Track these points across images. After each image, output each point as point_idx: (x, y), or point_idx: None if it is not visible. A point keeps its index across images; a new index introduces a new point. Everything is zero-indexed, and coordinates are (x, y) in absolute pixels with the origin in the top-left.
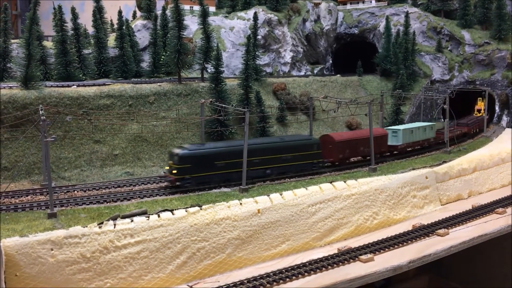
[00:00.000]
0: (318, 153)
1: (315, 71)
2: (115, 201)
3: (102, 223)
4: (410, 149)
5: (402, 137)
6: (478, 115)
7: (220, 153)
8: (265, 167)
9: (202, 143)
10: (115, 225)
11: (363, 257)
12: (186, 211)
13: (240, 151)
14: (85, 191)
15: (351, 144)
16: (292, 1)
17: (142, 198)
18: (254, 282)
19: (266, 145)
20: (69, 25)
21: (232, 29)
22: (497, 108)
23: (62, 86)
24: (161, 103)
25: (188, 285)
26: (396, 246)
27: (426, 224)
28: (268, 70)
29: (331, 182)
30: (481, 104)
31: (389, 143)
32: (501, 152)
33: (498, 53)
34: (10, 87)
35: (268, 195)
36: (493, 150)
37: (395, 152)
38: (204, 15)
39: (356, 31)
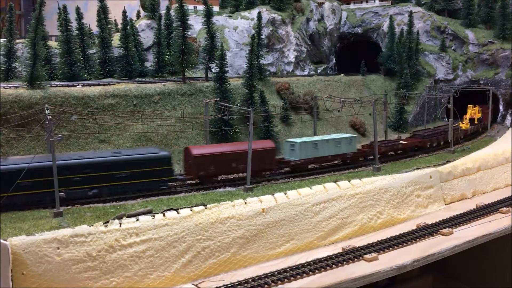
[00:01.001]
0: (167, 170)
1: (319, 71)
2: (121, 200)
3: (108, 222)
4: (314, 166)
5: (300, 151)
6: (464, 126)
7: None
8: (89, 187)
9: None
10: (120, 224)
11: (367, 256)
12: (191, 210)
13: (45, 168)
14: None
15: (218, 159)
16: (295, 0)
17: (147, 197)
18: (259, 281)
19: (92, 160)
20: (73, 25)
21: (236, 28)
22: (501, 107)
23: (68, 86)
24: (165, 102)
25: (193, 284)
26: (400, 246)
27: (430, 223)
28: (272, 69)
29: (335, 182)
30: (473, 112)
31: (287, 157)
32: (505, 152)
33: (502, 53)
34: (16, 87)
35: (273, 195)
36: (497, 150)
37: (290, 169)
38: (208, 14)
39: (359, 31)
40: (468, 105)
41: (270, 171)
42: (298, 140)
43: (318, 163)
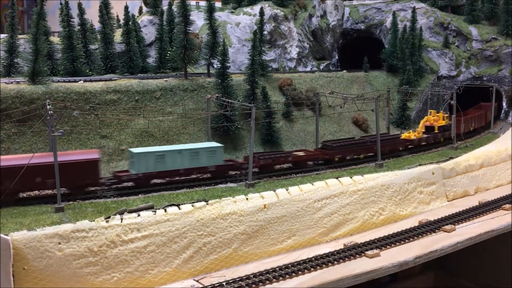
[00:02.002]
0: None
1: (321, 67)
2: (122, 196)
3: (109, 217)
4: (160, 181)
5: (139, 164)
6: (412, 136)
7: None
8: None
9: None
10: (122, 219)
11: (369, 252)
12: (193, 206)
13: None
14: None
15: (14, 174)
16: None
17: (148, 193)
18: (260, 277)
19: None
20: (75, 20)
21: (238, 24)
22: (504, 104)
23: (69, 81)
24: (167, 98)
25: (194, 280)
26: (402, 242)
27: (432, 220)
28: (274, 65)
29: (337, 178)
30: (434, 118)
31: (130, 170)
32: (508, 148)
33: (506, 49)
34: (18, 82)
35: (274, 190)
36: (500, 146)
37: (132, 183)
38: (210, 10)
39: (362, 27)
40: (430, 110)
41: (93, 186)
42: (137, 150)
43: (165, 177)
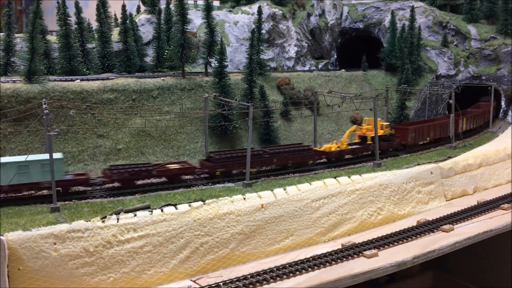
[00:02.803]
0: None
1: (320, 66)
2: (118, 196)
3: (105, 217)
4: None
5: None
6: (335, 147)
7: None
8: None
9: None
10: (118, 219)
11: (367, 252)
12: (190, 205)
13: None
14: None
15: None
16: None
17: (145, 192)
18: (258, 277)
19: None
20: (73, 19)
21: (236, 23)
22: (503, 103)
23: (66, 80)
24: (164, 97)
25: (191, 280)
26: (400, 242)
27: (431, 219)
28: (273, 65)
29: (335, 177)
30: (368, 128)
31: None
32: (507, 148)
33: (505, 48)
34: (14, 81)
35: (272, 190)
36: (499, 146)
37: None
38: (208, 9)
39: (361, 26)
40: (365, 118)
41: None
42: None
43: None
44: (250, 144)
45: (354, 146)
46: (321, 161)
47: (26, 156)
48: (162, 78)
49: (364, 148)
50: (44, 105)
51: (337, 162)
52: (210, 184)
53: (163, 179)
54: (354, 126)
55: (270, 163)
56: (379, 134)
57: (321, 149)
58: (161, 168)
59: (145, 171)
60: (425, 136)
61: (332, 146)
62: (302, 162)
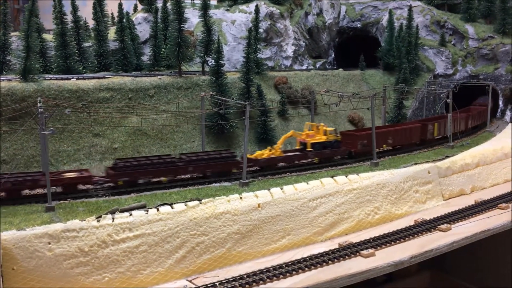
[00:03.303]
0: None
1: (317, 65)
2: (114, 195)
3: (100, 217)
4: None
5: None
6: (272, 153)
7: None
8: None
9: None
10: (113, 219)
11: (364, 252)
12: (186, 205)
13: None
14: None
15: None
16: None
17: (141, 192)
18: (254, 277)
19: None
20: (69, 17)
21: (233, 22)
22: (500, 103)
23: (62, 79)
24: (161, 96)
25: (187, 280)
26: (397, 241)
27: (428, 219)
28: (270, 64)
29: (332, 177)
30: (313, 133)
31: None
32: (505, 147)
33: (502, 47)
34: (9, 80)
35: (269, 190)
36: (497, 145)
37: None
38: (205, 8)
39: (359, 25)
40: (307, 123)
41: None
42: None
43: None
44: (247, 143)
45: (290, 154)
46: (250, 169)
47: None
48: (158, 76)
49: (302, 156)
50: (39, 104)
51: (270, 171)
52: (115, 195)
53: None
54: (291, 132)
55: (184, 172)
56: (322, 140)
57: (253, 156)
58: (54, 177)
59: (30, 180)
60: (381, 143)
61: (265, 153)
62: (223, 171)
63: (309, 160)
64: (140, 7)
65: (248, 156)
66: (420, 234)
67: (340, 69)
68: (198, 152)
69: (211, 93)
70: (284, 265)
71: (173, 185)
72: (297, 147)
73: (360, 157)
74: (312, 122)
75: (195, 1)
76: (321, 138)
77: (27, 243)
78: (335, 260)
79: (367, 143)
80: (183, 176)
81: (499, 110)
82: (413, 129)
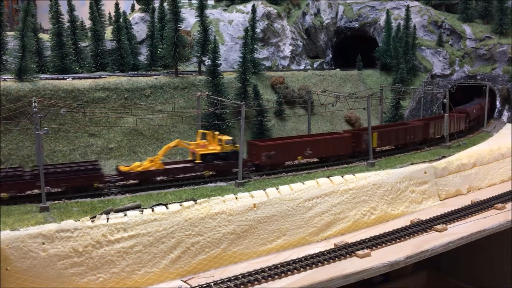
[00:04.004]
0: None
1: (315, 65)
2: (109, 195)
3: (95, 217)
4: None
5: None
6: (154, 165)
7: None
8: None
9: None
10: (108, 219)
11: (359, 252)
12: (181, 205)
13: None
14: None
15: None
16: None
17: (136, 192)
18: (249, 277)
19: None
20: (65, 17)
21: (231, 22)
22: (498, 103)
23: (57, 79)
24: (157, 96)
25: (182, 280)
26: (393, 242)
27: (424, 219)
28: (268, 64)
29: (328, 177)
30: (208, 142)
31: None
32: (501, 147)
33: (500, 48)
34: (4, 79)
35: (264, 190)
36: (493, 145)
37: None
38: (202, 7)
39: (356, 25)
40: (199, 131)
41: None
42: None
43: None
44: (242, 143)
45: (173, 166)
46: (119, 183)
47: None
48: (155, 76)
49: (187, 169)
50: (34, 104)
51: (148, 184)
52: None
53: None
54: (177, 141)
55: (31, 187)
56: (216, 151)
57: (127, 167)
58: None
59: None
60: (295, 155)
61: (144, 164)
62: (83, 186)
63: (198, 173)
64: (137, 6)
65: (121, 168)
66: (416, 234)
67: (338, 69)
68: (57, 163)
69: (207, 93)
70: (279, 265)
71: (168, 185)
72: (189, 158)
73: (267, 170)
74: (206, 130)
75: (192, 1)
76: (215, 148)
77: (21, 243)
78: (331, 260)
79: (275, 154)
80: (31, 192)
81: (496, 110)
82: (342, 139)
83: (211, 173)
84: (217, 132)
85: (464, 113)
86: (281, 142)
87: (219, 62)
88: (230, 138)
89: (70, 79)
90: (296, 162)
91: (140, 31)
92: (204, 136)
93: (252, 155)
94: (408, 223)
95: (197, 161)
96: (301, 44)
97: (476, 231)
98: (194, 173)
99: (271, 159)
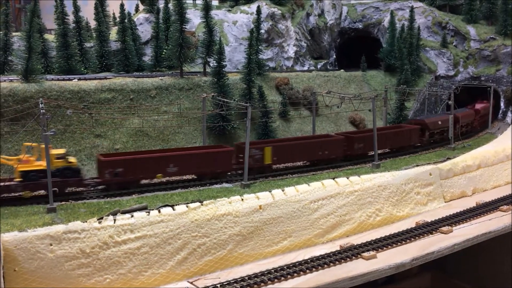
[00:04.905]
0: None
1: (319, 66)
2: (115, 196)
3: (102, 218)
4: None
5: None
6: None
7: None
8: None
9: None
10: (115, 220)
11: (365, 254)
12: (187, 206)
13: None
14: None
15: None
16: None
17: (142, 193)
18: (255, 278)
19: None
20: (70, 18)
21: (235, 23)
22: (502, 104)
23: (63, 80)
24: (162, 97)
25: (188, 282)
26: (399, 243)
27: (429, 221)
28: (271, 64)
29: (333, 179)
30: (21, 158)
31: None
32: (506, 149)
33: (504, 49)
34: (11, 80)
35: (270, 191)
36: (498, 147)
37: None
38: (207, 8)
39: (360, 26)
40: (24, 144)
41: None
42: None
43: None
44: (248, 144)
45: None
46: None
47: None
48: (160, 77)
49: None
50: (41, 105)
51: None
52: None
53: None
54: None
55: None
56: (42, 167)
57: None
58: None
59: None
60: (152, 172)
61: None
62: None
63: (17, 194)
64: (141, 7)
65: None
66: (421, 236)
67: (342, 70)
68: None
69: (212, 94)
70: (285, 267)
71: (175, 186)
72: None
73: (115, 189)
74: (33, 143)
75: (197, 2)
76: (41, 164)
77: (29, 244)
78: (337, 262)
79: (123, 171)
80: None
81: (500, 112)
82: (219, 154)
83: (33, 194)
84: (50, 145)
85: (420, 124)
86: (133, 156)
87: (224, 63)
88: (62, 151)
89: (76, 80)
90: (157, 180)
91: (145, 31)
92: (30, 150)
93: (98, 171)
94: (413, 225)
95: (16, 179)
96: (305, 45)
97: (482, 233)
98: (11, 194)
99: (118, 177)
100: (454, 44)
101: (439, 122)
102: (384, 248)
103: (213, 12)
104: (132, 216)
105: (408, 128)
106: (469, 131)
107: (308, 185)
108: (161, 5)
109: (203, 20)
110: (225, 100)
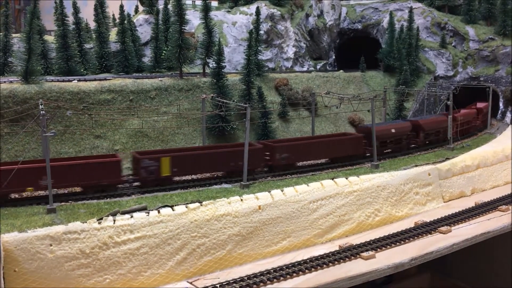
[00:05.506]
0: None
1: (318, 67)
2: (115, 197)
3: (101, 218)
4: None
5: None
6: None
7: None
8: None
9: None
10: (114, 220)
11: (364, 254)
12: (187, 207)
13: None
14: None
15: None
16: None
17: (142, 193)
18: (255, 278)
19: None
20: (70, 19)
21: (234, 24)
22: (501, 104)
23: (63, 81)
24: (162, 98)
25: (188, 282)
26: (398, 243)
27: (428, 221)
28: (271, 65)
29: (332, 179)
30: None
31: None
32: (505, 149)
33: (503, 49)
34: (11, 82)
35: (269, 192)
36: (497, 147)
37: None
38: (206, 9)
39: (359, 27)
40: None
41: None
42: None
43: None
44: (247, 145)
45: None
46: None
47: None
48: (159, 78)
49: None
50: (40, 106)
51: None
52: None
53: None
54: None
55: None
56: None
57: None
58: None
59: None
60: (23, 185)
61: None
62: None
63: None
64: (141, 8)
65: None
66: (420, 236)
67: (341, 70)
68: None
69: (212, 95)
70: (284, 267)
71: (174, 187)
72: None
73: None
74: None
75: (196, 3)
76: None
77: (29, 245)
78: (336, 262)
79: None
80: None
81: (499, 112)
82: (103, 165)
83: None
84: None
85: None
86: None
87: (223, 64)
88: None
89: (76, 81)
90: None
91: (144, 33)
92: None
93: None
94: (412, 225)
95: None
96: (304, 45)
97: (481, 233)
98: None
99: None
100: (453, 44)
101: (393, 130)
102: (383, 248)
103: (213, 13)
104: (131, 216)
105: (349, 137)
106: (471, 129)
107: (307, 185)
108: (160, 6)
109: (203, 21)
110: (225, 101)
